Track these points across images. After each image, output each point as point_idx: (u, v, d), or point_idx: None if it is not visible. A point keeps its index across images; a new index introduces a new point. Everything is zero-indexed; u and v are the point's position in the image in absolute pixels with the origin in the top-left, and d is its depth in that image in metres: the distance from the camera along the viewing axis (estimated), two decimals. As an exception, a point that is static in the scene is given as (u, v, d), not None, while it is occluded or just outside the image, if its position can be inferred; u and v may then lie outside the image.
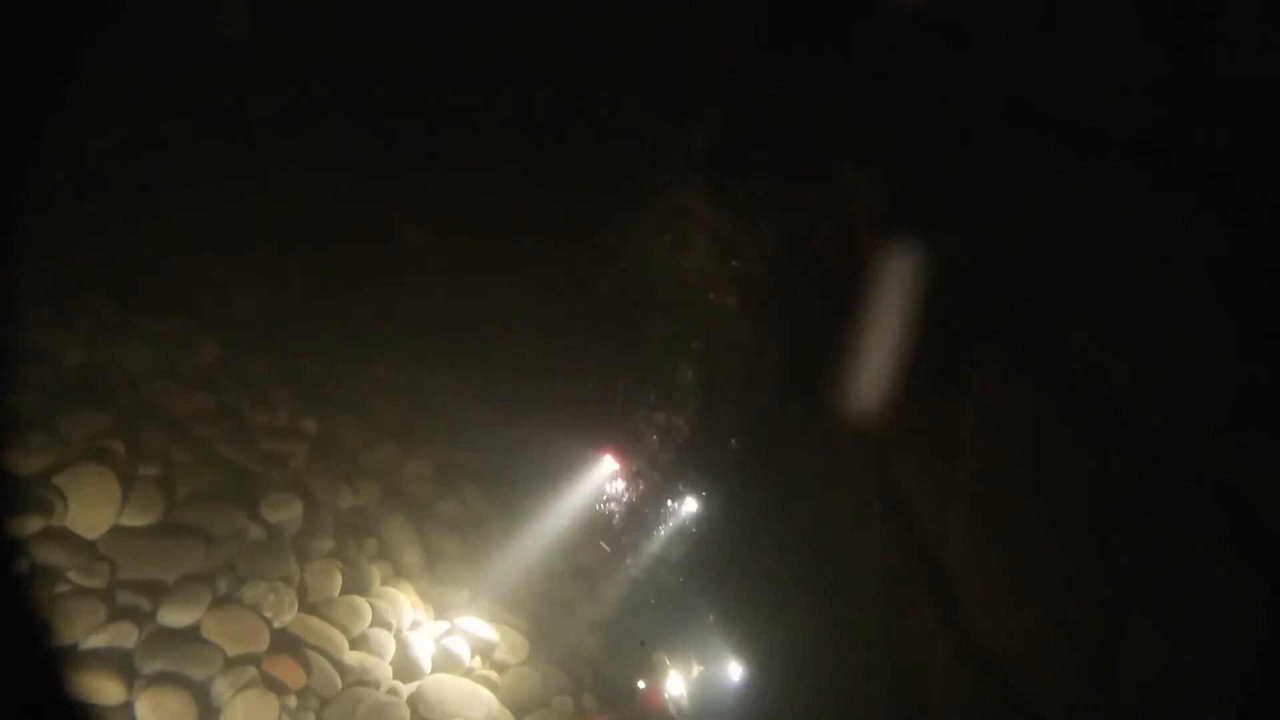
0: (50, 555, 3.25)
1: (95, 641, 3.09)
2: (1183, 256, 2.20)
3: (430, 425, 5.80)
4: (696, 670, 5.06)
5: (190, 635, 3.32)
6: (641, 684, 4.77)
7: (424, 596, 4.54)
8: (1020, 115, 2.79)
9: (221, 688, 3.19)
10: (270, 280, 5.95)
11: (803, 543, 5.38)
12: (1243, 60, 1.86)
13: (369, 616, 3.98)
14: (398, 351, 6.11)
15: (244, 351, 5.31)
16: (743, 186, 5.10)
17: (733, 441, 5.91)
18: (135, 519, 3.64)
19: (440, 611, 4.53)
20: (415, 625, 4.26)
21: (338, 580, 4.03)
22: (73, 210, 4.84)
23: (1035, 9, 2.57)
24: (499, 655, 4.48)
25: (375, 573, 4.31)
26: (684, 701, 4.83)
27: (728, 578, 5.60)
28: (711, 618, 5.61)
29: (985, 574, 3.34)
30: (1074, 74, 2.49)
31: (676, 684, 4.90)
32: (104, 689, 2.95)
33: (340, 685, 3.60)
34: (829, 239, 4.64)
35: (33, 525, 3.28)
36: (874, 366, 4.32)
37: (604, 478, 6.06)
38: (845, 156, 4.10)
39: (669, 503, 5.84)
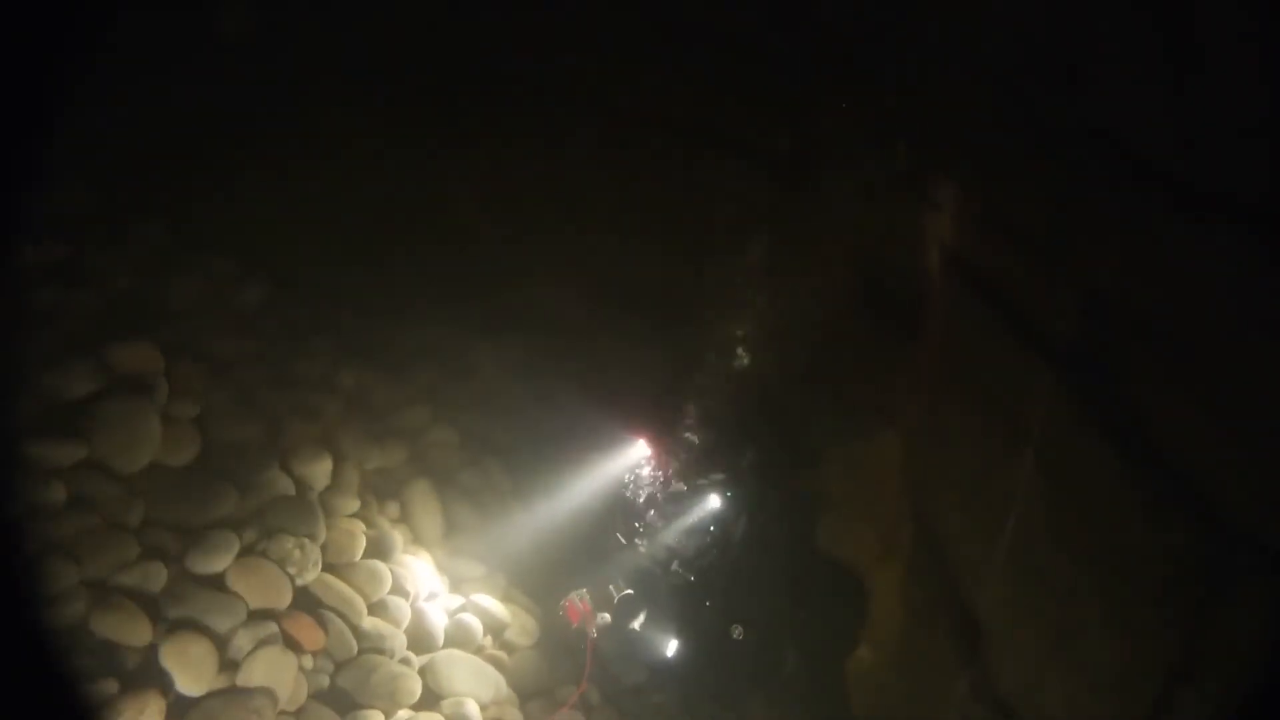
0: (87, 486, 3.23)
1: (124, 580, 3.07)
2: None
3: (462, 392, 5.76)
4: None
5: (215, 584, 3.30)
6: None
7: (441, 567, 4.52)
8: (1131, 164, 2.70)
9: (242, 641, 3.17)
10: (322, 235, 5.91)
11: (819, 563, 5.33)
12: None
13: (389, 583, 3.95)
14: (439, 314, 6.06)
15: (289, 299, 5.27)
16: (814, 200, 5.01)
17: (765, 451, 5.85)
18: (172, 458, 3.62)
19: (455, 585, 4.51)
20: (431, 596, 4.24)
21: (361, 543, 4.01)
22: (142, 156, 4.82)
23: (1162, 61, 2.47)
24: (509, 636, 4.46)
25: (398, 538, 4.29)
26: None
27: (739, 585, 5.55)
28: (716, 621, 5.57)
29: (1020, 626, 3.28)
30: (1196, 130, 2.39)
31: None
32: (131, 629, 2.93)
33: (356, 650, 3.58)
34: (898, 266, 4.56)
35: (73, 454, 3.25)
36: (926, 397, 4.25)
37: (630, 466, 6.00)
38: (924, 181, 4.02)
39: (691, 501, 5.78)
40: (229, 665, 3.11)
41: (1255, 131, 2.12)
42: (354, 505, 4.28)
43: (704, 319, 6.01)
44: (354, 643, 3.59)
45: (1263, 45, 2.03)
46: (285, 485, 3.96)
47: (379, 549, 4.11)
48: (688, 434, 5.94)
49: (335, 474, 4.31)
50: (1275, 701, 1.98)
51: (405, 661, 3.74)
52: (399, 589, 4.01)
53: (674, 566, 5.51)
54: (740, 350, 5.77)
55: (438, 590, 4.32)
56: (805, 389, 5.37)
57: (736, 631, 5.45)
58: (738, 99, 5.29)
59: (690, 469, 5.78)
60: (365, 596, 3.78)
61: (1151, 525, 2.52)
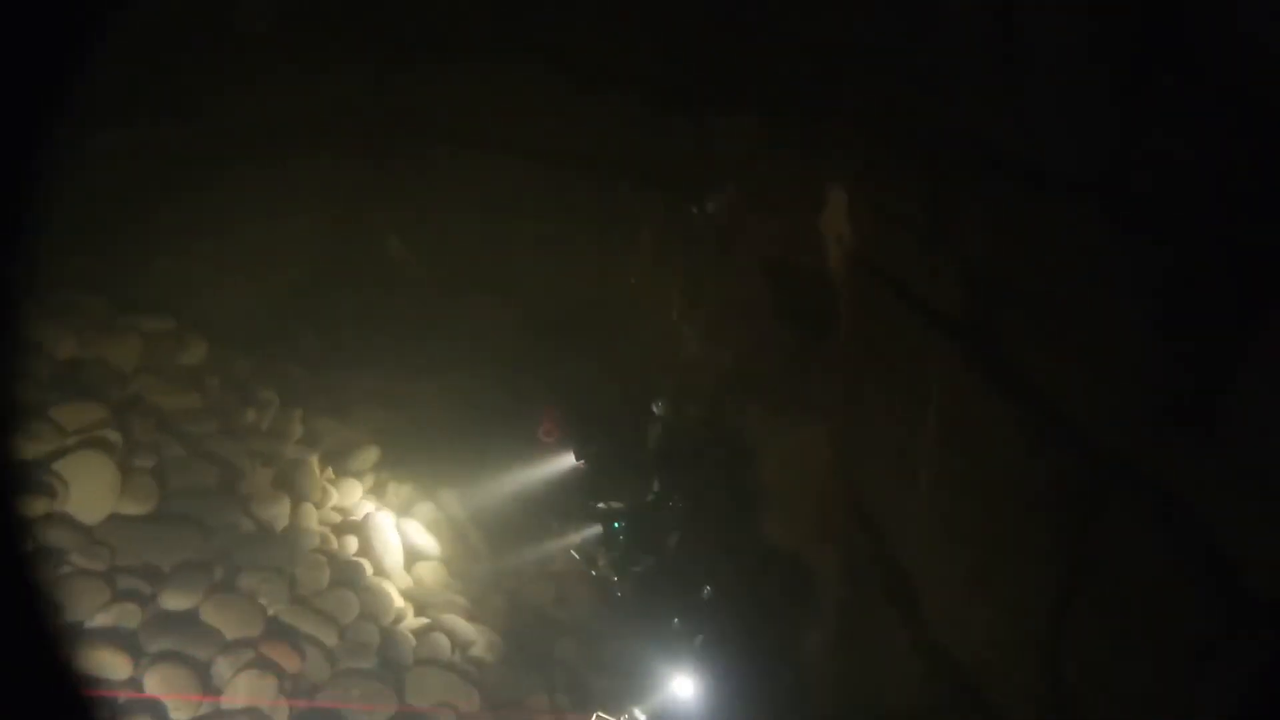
0: (53, 537, 3.34)
1: (101, 620, 3.19)
2: (1128, 286, 2.53)
3: (409, 429, 5.93)
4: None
5: (190, 618, 3.43)
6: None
7: (404, 593, 4.67)
8: (990, 158, 3.12)
9: (222, 667, 3.30)
10: (255, 283, 6.05)
11: (762, 549, 5.63)
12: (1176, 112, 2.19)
13: (356, 609, 4.11)
14: (379, 357, 6.25)
15: (230, 352, 5.40)
16: (720, 216, 5.40)
17: (698, 453, 6.15)
18: (132, 507, 3.74)
19: (420, 609, 4.67)
20: (398, 619, 4.39)
21: (326, 574, 4.15)
22: (65, 209, 4.93)
23: (1002, 67, 2.90)
24: (475, 652, 4.62)
25: (363, 566, 4.44)
26: None
27: (690, 587, 5.82)
28: (674, 623, 5.82)
29: (944, 572, 3.63)
30: (1035, 122, 2.82)
31: None
32: (111, 664, 3.05)
33: (331, 671, 3.72)
34: (800, 264, 4.96)
35: (37, 508, 3.36)
36: (845, 386, 4.62)
37: (576, 488, 6.24)
38: (819, 189, 4.43)
39: (638, 515, 6.03)
40: (213, 690, 3.24)
41: (1083, 119, 2.54)
42: (315, 540, 4.42)
43: (635, 335, 6.34)
44: (328, 664, 3.73)
45: (1083, 40, 2.44)
46: (248, 525, 4.10)
47: (344, 578, 4.26)
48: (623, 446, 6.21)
49: (294, 513, 4.45)
50: (1154, 601, 2.33)
51: (380, 679, 3.88)
52: (367, 613, 4.16)
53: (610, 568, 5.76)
54: (673, 362, 6.10)
55: (404, 614, 4.47)
56: (736, 392, 5.70)
57: (696, 640, 5.71)
58: (648, 132, 5.69)
59: (628, 481, 6.06)
60: (335, 621, 3.92)
61: (1036, 458, 2.90)
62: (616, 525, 5.92)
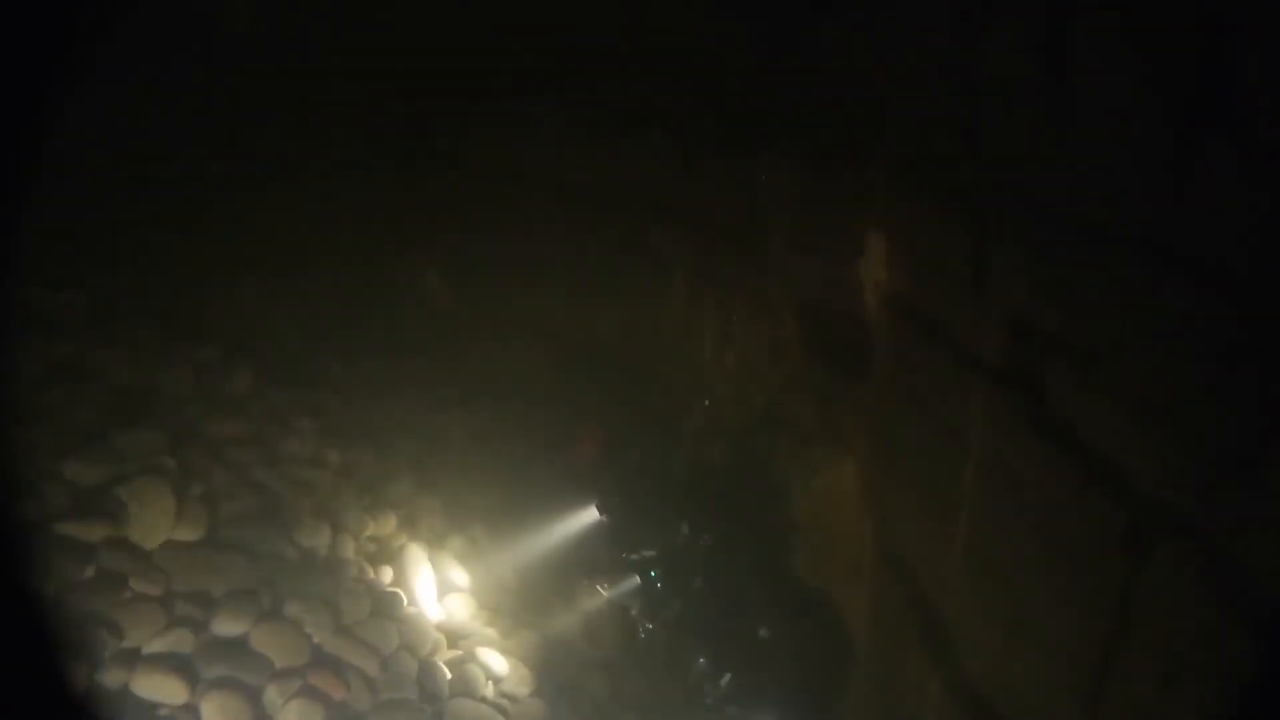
0: (114, 562, 3.43)
1: (157, 646, 3.26)
2: (1175, 340, 2.60)
3: (441, 461, 6.02)
4: None
5: (241, 645, 3.50)
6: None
7: (439, 626, 4.72)
8: (1036, 209, 3.21)
9: (273, 695, 3.36)
10: (290, 312, 6.19)
11: (792, 589, 5.66)
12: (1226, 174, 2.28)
13: (396, 639, 4.16)
14: (411, 389, 6.36)
15: (271, 381, 5.52)
16: (758, 258, 5.52)
17: (726, 491, 6.21)
18: (185, 533, 3.83)
19: (453, 641, 4.72)
20: (435, 650, 4.44)
21: (367, 604, 4.22)
22: (109, 228, 5.11)
23: (1051, 118, 3.01)
24: (508, 686, 4.66)
25: (401, 597, 4.50)
26: None
27: (716, 626, 5.85)
28: (701, 660, 5.84)
29: (982, 617, 3.66)
30: (1083, 174, 2.91)
31: None
32: (170, 689, 3.12)
33: (373, 701, 3.77)
34: (836, 307, 5.05)
35: (98, 532, 3.45)
36: (877, 426, 4.68)
37: (599, 523, 6.30)
38: (858, 234, 4.54)
39: (666, 561, 6.07)
40: (265, 718, 3.30)
41: (1134, 173, 2.63)
42: (355, 570, 4.49)
43: (665, 375, 6.43)
44: (371, 695, 3.78)
45: (1137, 94, 2.53)
46: (292, 554, 4.18)
47: (383, 608, 4.32)
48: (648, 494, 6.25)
49: (334, 542, 4.53)
50: (1198, 655, 2.38)
51: (420, 711, 3.93)
52: (406, 644, 4.22)
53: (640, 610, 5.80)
54: (704, 401, 6.18)
55: (439, 645, 4.52)
56: (767, 431, 5.78)
57: (725, 679, 5.73)
58: (682, 173, 5.83)
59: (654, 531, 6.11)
60: (377, 652, 3.98)
61: (1080, 507, 2.95)
62: (645, 574, 5.97)
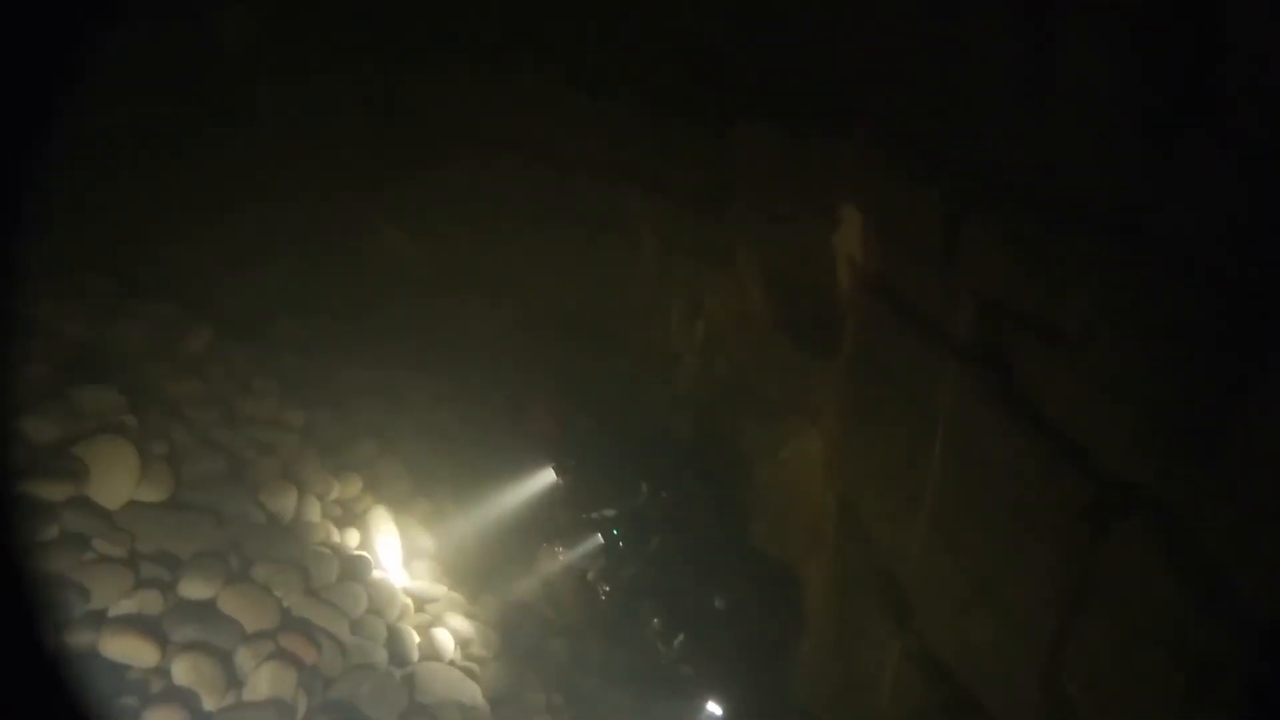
0: (76, 522, 3.34)
1: (125, 607, 3.20)
2: (1144, 322, 2.69)
3: (404, 425, 5.97)
4: None
5: (210, 608, 3.45)
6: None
7: (406, 590, 4.72)
8: (1013, 190, 3.27)
9: (244, 658, 3.33)
10: (253, 271, 6.04)
11: (750, 557, 5.76)
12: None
13: (365, 603, 4.15)
14: (375, 351, 6.26)
15: (229, 340, 5.39)
16: (722, 223, 5.53)
17: (688, 458, 6.28)
18: (149, 494, 3.74)
19: (420, 605, 4.72)
20: (402, 614, 4.44)
21: (335, 567, 4.19)
22: (70, 187, 4.89)
23: (1028, 93, 3.05)
24: (474, 650, 4.69)
25: (368, 561, 4.48)
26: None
27: (672, 586, 5.94)
28: (655, 620, 5.94)
29: (943, 587, 3.78)
30: (1067, 159, 2.97)
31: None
32: (140, 651, 3.07)
33: (343, 665, 3.76)
34: (806, 279, 5.10)
35: (60, 491, 3.36)
36: (844, 398, 4.76)
37: (558, 486, 6.34)
38: (832, 207, 4.58)
39: (625, 523, 6.12)
40: (234, 683, 3.27)
41: (1112, 159, 2.69)
42: (321, 533, 4.45)
43: (632, 341, 6.43)
44: (341, 658, 3.77)
45: (1120, 81, 2.59)
46: (258, 516, 4.12)
47: (351, 572, 4.30)
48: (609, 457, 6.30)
49: (299, 505, 4.47)
50: (1155, 624, 2.49)
51: (388, 675, 3.93)
52: (374, 608, 4.21)
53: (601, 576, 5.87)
54: (670, 368, 6.22)
55: (407, 609, 4.52)
56: (733, 399, 5.84)
57: (678, 639, 5.83)
58: (658, 138, 5.79)
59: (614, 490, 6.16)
60: (346, 615, 3.96)
61: (1043, 480, 3.05)
62: (604, 533, 6.02)
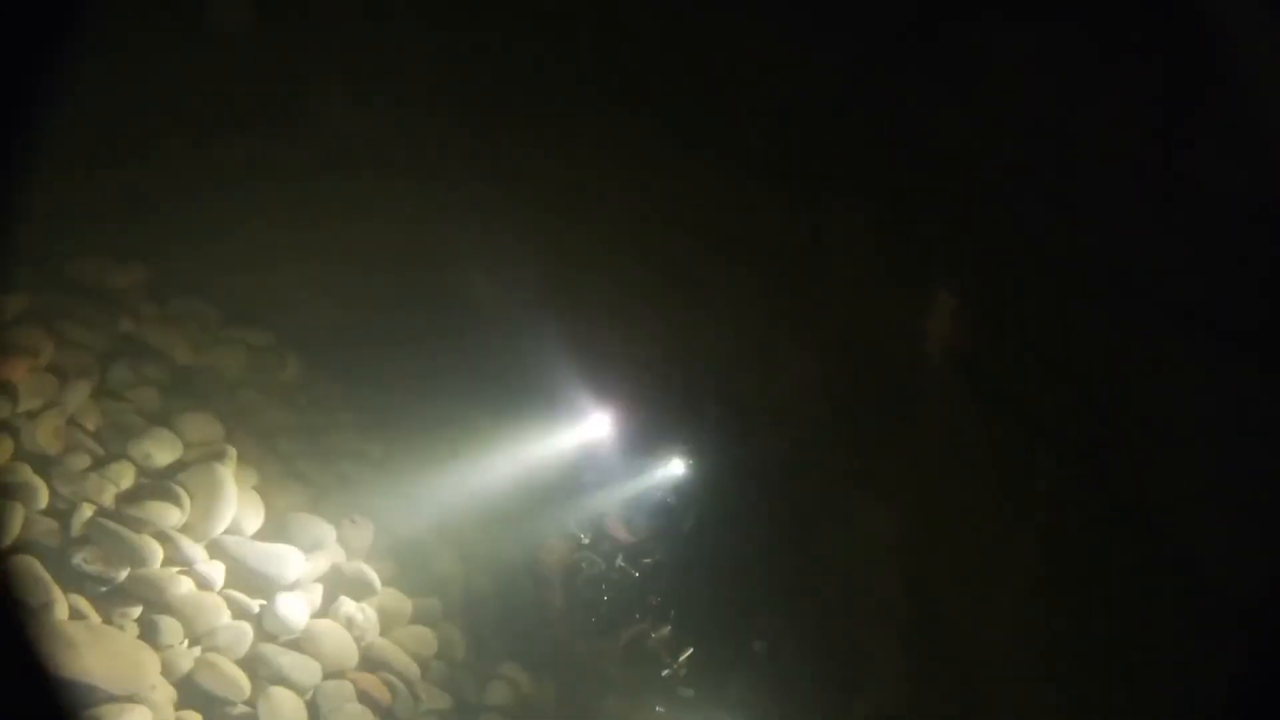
0: (179, 549, 3.44)
1: (220, 639, 3.28)
2: (1262, 431, 2.63)
3: (477, 460, 6.02)
4: None
5: (295, 645, 3.52)
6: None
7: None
8: (1128, 287, 3.24)
9: (324, 697, 3.39)
10: (343, 297, 6.18)
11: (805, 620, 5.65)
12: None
13: (435, 647, 4.19)
14: (453, 386, 6.35)
15: (318, 371, 5.52)
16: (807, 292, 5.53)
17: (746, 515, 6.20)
18: (243, 524, 3.84)
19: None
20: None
21: (409, 608, 4.24)
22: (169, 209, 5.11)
23: (1155, 199, 3.03)
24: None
25: (437, 605, 4.52)
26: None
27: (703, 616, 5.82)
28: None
29: (1020, 676, 3.68)
30: (1188, 262, 2.93)
31: None
32: (235, 682, 3.14)
33: (418, 708, 3.79)
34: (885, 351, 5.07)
35: (171, 518, 3.47)
36: (922, 476, 4.71)
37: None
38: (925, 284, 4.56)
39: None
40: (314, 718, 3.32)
41: (1248, 266, 2.65)
42: (394, 569, 4.51)
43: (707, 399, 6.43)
44: (414, 702, 3.80)
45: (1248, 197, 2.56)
46: (337, 553, 4.19)
47: (423, 616, 4.34)
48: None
49: (376, 539, 4.54)
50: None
51: (454, 721, 3.95)
52: (440, 654, 4.25)
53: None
54: (741, 427, 6.20)
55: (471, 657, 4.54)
56: (801, 465, 5.80)
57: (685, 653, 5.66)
58: (745, 203, 5.84)
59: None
60: (420, 660, 4.00)
61: (1143, 585, 2.98)
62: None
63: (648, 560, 5.88)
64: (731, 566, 5.93)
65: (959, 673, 4.13)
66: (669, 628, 5.66)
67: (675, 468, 6.25)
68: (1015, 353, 3.88)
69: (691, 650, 5.56)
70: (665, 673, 5.46)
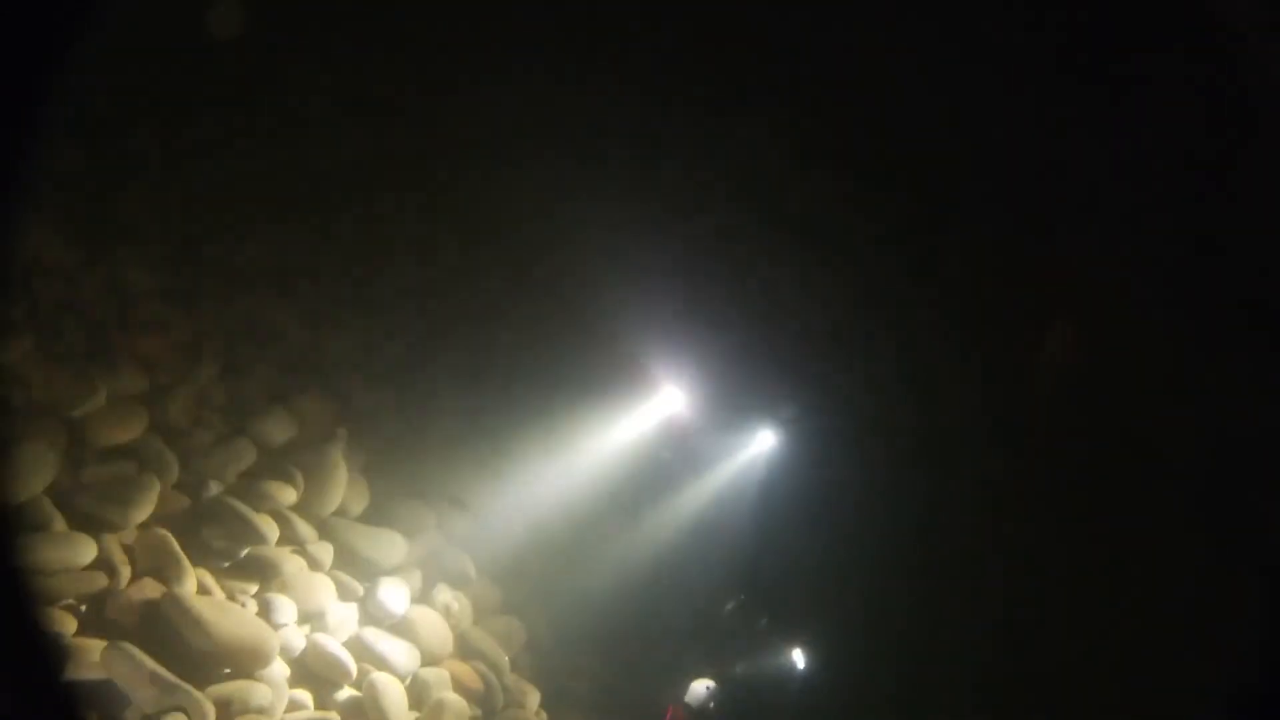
0: (293, 527, 3.57)
1: (333, 617, 3.40)
2: None
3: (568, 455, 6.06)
4: None
5: (398, 628, 3.62)
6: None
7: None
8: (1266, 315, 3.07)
9: (423, 682, 3.48)
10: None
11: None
12: None
13: (524, 638, 4.25)
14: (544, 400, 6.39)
15: (418, 356, 5.64)
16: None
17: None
18: (350, 506, 3.96)
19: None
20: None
21: (499, 598, 4.32)
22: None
23: None
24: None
25: (526, 597, 4.59)
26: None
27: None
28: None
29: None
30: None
31: None
32: (340, 665, 3.25)
33: (501, 704, 3.86)
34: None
35: (288, 497, 3.60)
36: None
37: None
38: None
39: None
40: (415, 704, 3.41)
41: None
42: (486, 559, 4.59)
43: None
44: (501, 696, 3.87)
45: None
46: (436, 540, 4.29)
47: (512, 607, 4.41)
48: None
49: (472, 529, 4.63)
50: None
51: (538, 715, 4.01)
52: (530, 644, 4.31)
53: None
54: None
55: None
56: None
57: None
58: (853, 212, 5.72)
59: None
60: (508, 651, 4.08)
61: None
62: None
63: None
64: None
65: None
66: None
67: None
68: (1140, 388, 3.72)
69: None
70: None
